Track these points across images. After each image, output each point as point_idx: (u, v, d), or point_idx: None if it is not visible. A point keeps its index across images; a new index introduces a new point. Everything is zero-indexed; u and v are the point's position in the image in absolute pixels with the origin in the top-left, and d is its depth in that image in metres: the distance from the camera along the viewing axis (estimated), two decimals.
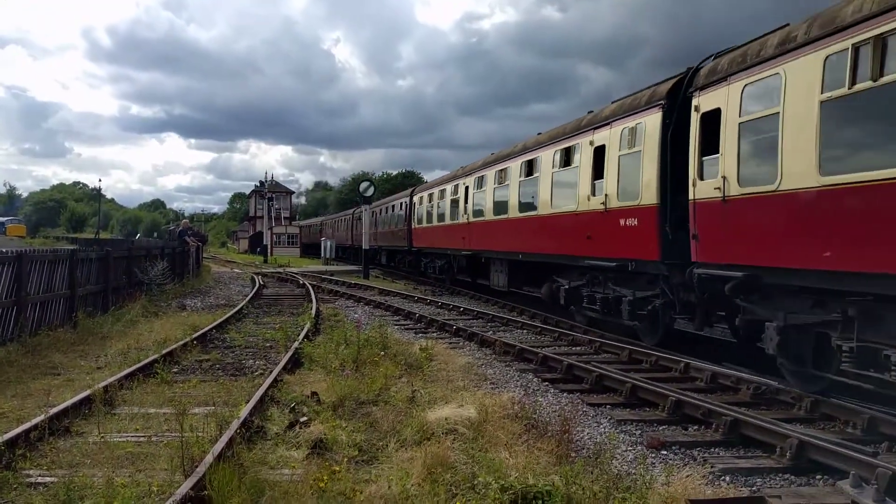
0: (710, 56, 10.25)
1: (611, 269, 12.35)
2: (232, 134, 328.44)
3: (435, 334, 13.43)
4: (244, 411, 6.43)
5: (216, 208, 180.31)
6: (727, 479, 5.58)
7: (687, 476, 5.19)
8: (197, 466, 4.91)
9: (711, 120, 9.41)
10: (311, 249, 63.17)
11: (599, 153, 12.75)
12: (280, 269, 34.63)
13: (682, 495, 4.54)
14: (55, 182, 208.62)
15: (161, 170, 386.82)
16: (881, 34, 6.58)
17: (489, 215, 19.40)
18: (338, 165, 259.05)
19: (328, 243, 48.92)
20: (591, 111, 13.99)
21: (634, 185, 11.45)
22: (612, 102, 13.17)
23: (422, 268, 30.52)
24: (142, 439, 6.18)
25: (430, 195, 27.32)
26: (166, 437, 6.10)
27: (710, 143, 9.39)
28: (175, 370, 9.34)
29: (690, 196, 9.86)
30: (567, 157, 14.36)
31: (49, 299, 12.17)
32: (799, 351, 8.02)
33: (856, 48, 6.82)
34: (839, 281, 7.15)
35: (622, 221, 11.87)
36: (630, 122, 11.74)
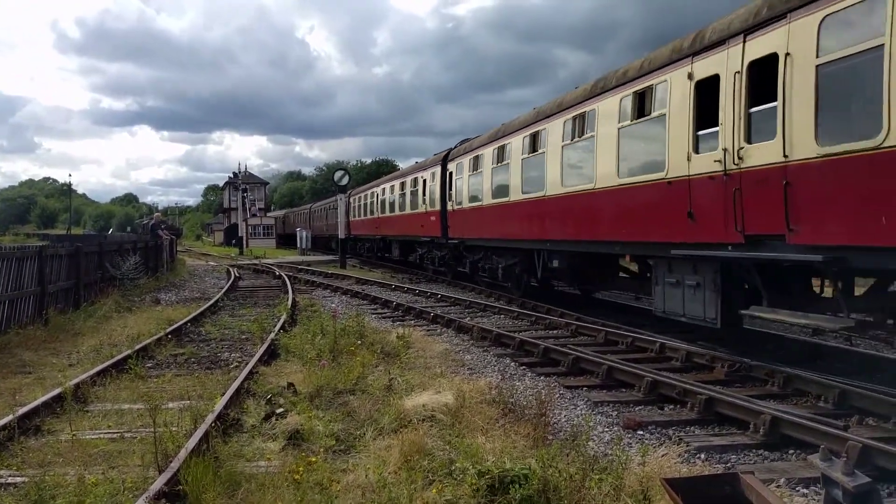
0: (460, 141, 22.42)
1: (428, 242, 24.27)
2: (206, 125, 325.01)
3: (412, 322, 13.41)
4: (219, 404, 6.35)
5: (191, 201, 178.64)
6: (702, 456, 5.65)
7: (662, 455, 5.23)
8: (171, 461, 4.84)
9: (451, 175, 21.13)
10: (286, 240, 62.69)
11: (425, 182, 24.23)
12: (256, 261, 34.35)
13: (657, 474, 4.57)
14: (24, 178, 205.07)
15: (134, 163, 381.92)
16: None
17: (388, 212, 30.58)
18: (314, 155, 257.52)
19: (304, 233, 48.54)
20: (436, 153, 24.73)
21: (434, 200, 22.85)
22: (434, 155, 24.59)
23: (357, 249, 39.98)
24: (115, 436, 6.07)
25: (359, 196, 37.81)
26: (140, 433, 6.01)
27: (451, 185, 21.07)
28: (149, 365, 9.22)
29: (447, 208, 21.47)
30: (414, 183, 25.90)
31: (18, 297, 11.92)
32: (480, 271, 19.36)
33: (476, 158, 18.66)
34: (485, 242, 18.17)
35: (431, 218, 23.17)
36: (433, 169, 23.25)
